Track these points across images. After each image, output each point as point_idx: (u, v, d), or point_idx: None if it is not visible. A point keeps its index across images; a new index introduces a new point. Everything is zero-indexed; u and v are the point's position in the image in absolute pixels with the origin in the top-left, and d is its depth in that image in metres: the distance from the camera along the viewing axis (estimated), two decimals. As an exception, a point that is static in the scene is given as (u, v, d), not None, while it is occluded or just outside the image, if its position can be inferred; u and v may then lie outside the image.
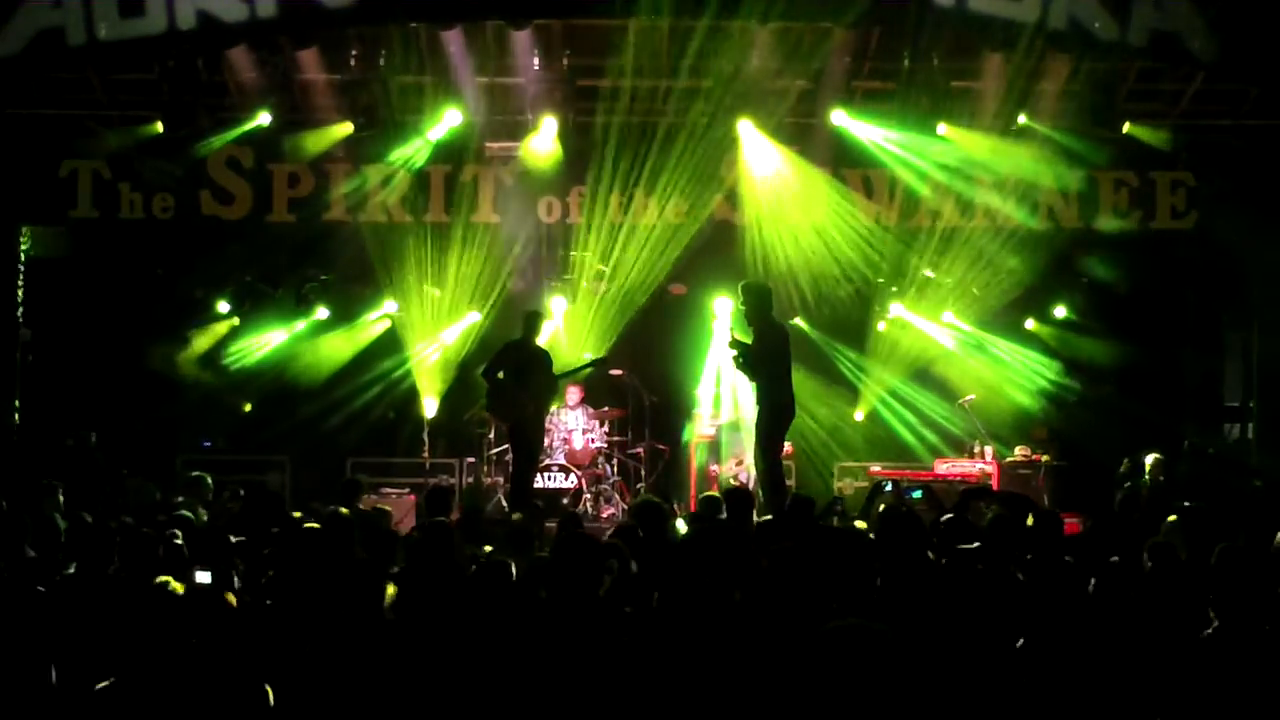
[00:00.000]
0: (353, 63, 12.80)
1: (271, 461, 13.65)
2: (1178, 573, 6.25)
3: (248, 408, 15.11)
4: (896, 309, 15.13)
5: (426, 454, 14.34)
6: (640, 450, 14.55)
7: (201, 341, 14.98)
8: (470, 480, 13.99)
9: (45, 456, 12.79)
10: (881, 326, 15.42)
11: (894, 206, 13.68)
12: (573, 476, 13.49)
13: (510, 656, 5.25)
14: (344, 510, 7.75)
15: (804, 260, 14.33)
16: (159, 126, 12.93)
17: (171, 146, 13.02)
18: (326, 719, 4.98)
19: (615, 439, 14.47)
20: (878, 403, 15.22)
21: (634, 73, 13.26)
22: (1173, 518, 7.56)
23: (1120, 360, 14.72)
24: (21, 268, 13.55)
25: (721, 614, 5.54)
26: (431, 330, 14.93)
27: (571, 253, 14.57)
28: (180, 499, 9.69)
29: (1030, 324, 15.25)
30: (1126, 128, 13.02)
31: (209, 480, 10.41)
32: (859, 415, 15.25)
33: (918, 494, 10.94)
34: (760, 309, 10.72)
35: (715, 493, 11.02)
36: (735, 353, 10.87)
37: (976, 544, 6.76)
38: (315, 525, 7.23)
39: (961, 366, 15.06)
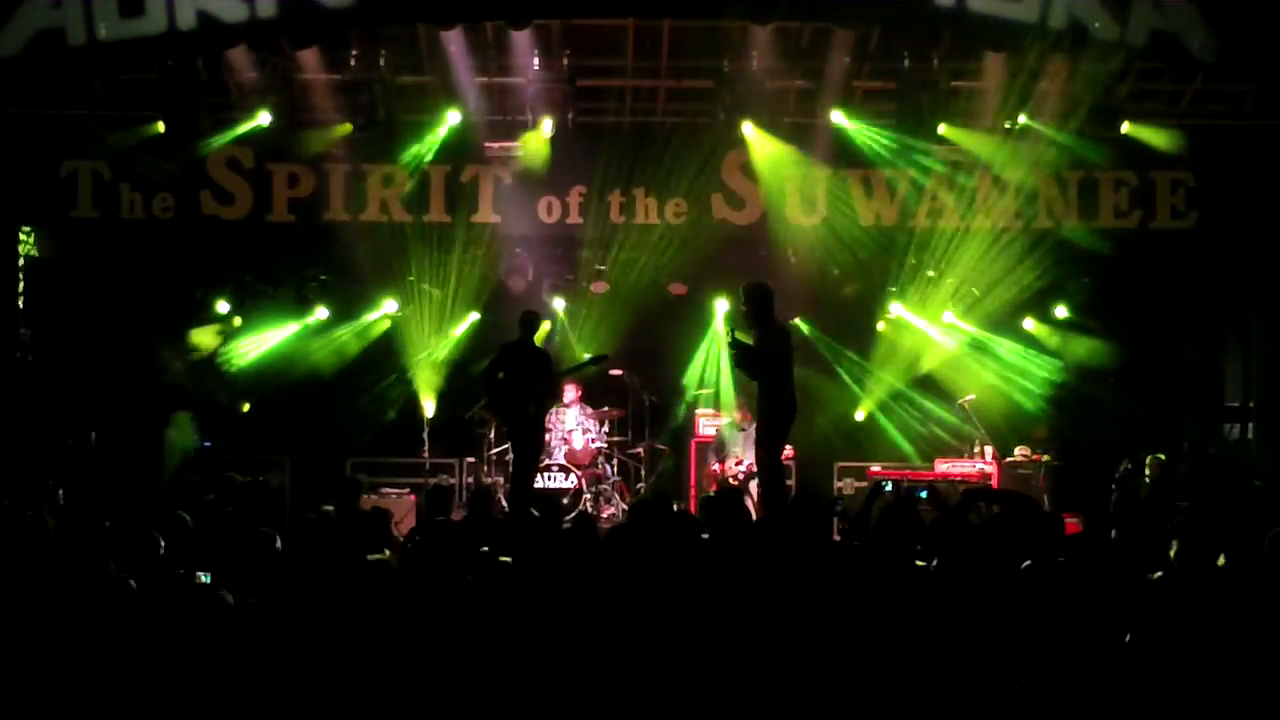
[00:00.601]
0: (353, 63, 12.78)
1: (271, 461, 13.64)
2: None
3: (247, 408, 15.10)
4: (897, 309, 15.13)
5: (426, 454, 14.34)
6: (640, 450, 14.56)
7: (201, 341, 14.97)
8: (470, 480, 13.99)
9: (45, 456, 12.79)
10: (881, 327, 15.42)
11: (894, 206, 13.66)
12: (573, 476, 13.50)
13: (511, 655, 5.25)
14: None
15: (804, 260, 14.35)
16: (159, 126, 12.90)
17: (171, 146, 13.00)
18: (330, 718, 4.98)
19: (615, 439, 14.48)
20: (878, 403, 15.22)
21: (634, 73, 13.29)
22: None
23: (1120, 360, 14.72)
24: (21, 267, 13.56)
25: (722, 613, 5.55)
26: (432, 330, 14.93)
27: (572, 253, 14.57)
28: (211, 497, 9.69)
29: (1030, 324, 15.24)
30: (1126, 128, 13.01)
31: (239, 478, 10.45)
32: (859, 415, 15.25)
33: (923, 494, 10.93)
34: (762, 310, 10.71)
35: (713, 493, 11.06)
36: (737, 355, 10.86)
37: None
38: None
39: (961, 366, 15.06)
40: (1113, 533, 8.00)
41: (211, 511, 8.93)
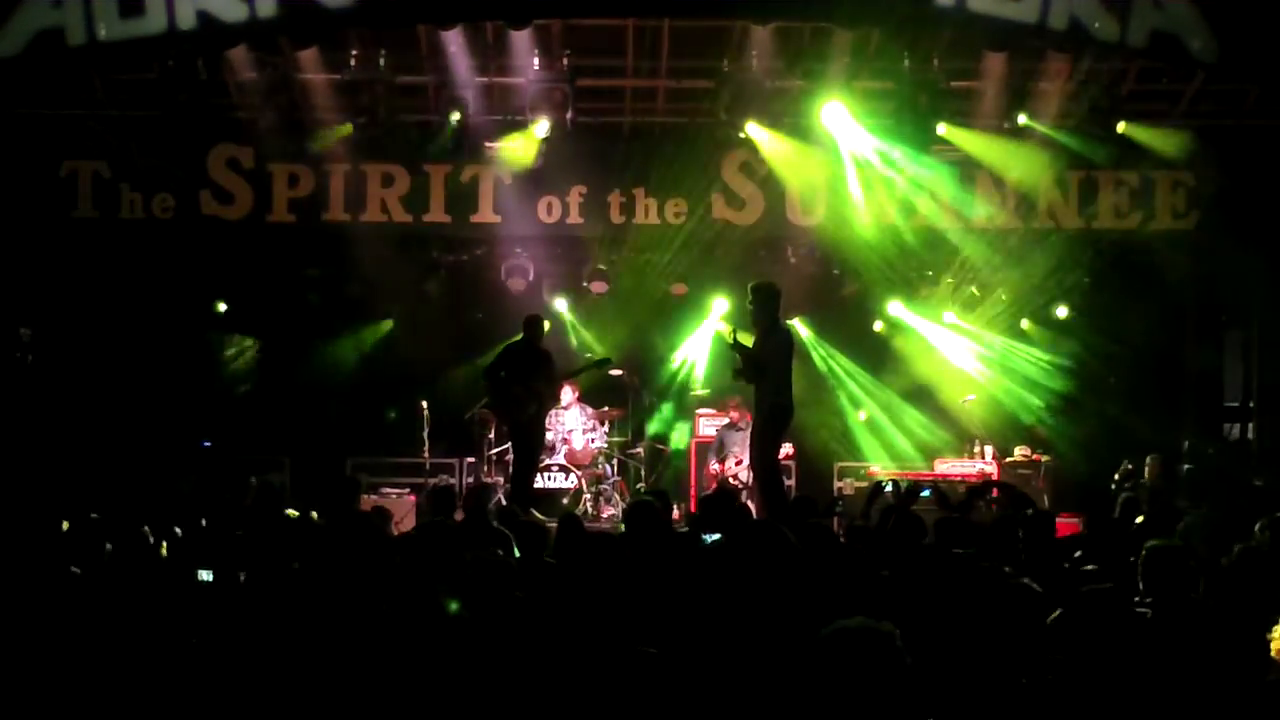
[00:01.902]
0: (353, 63, 12.77)
1: (271, 461, 13.63)
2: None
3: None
4: (896, 309, 15.14)
5: (426, 454, 14.32)
6: (640, 450, 14.57)
7: (201, 342, 14.97)
8: (471, 480, 13.99)
9: (45, 456, 12.78)
10: (881, 327, 15.43)
11: (895, 207, 13.66)
12: (573, 476, 13.49)
13: (511, 656, 5.25)
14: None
15: (804, 260, 14.35)
16: (159, 127, 12.90)
17: (171, 146, 13.01)
18: (330, 717, 4.98)
19: (615, 439, 14.48)
20: (878, 403, 15.23)
21: (634, 73, 13.29)
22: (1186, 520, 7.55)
23: (1120, 360, 14.72)
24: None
25: (722, 615, 5.54)
26: (432, 330, 14.91)
27: (572, 253, 14.57)
28: (226, 496, 9.69)
29: (1028, 324, 15.24)
30: (1125, 128, 13.01)
31: (253, 480, 10.46)
32: (860, 416, 15.26)
33: (926, 493, 10.90)
34: (769, 310, 10.73)
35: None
36: (736, 356, 10.88)
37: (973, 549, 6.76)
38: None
39: (961, 367, 15.06)
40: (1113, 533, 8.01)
41: (227, 510, 8.91)
